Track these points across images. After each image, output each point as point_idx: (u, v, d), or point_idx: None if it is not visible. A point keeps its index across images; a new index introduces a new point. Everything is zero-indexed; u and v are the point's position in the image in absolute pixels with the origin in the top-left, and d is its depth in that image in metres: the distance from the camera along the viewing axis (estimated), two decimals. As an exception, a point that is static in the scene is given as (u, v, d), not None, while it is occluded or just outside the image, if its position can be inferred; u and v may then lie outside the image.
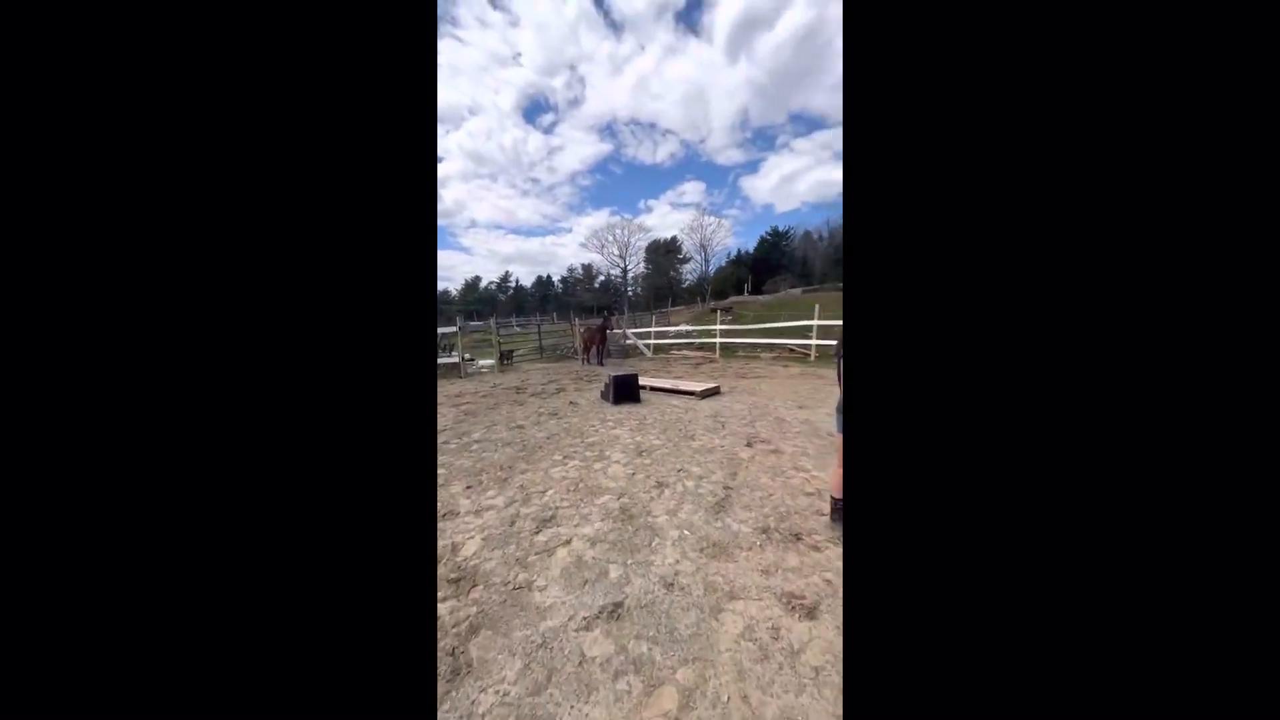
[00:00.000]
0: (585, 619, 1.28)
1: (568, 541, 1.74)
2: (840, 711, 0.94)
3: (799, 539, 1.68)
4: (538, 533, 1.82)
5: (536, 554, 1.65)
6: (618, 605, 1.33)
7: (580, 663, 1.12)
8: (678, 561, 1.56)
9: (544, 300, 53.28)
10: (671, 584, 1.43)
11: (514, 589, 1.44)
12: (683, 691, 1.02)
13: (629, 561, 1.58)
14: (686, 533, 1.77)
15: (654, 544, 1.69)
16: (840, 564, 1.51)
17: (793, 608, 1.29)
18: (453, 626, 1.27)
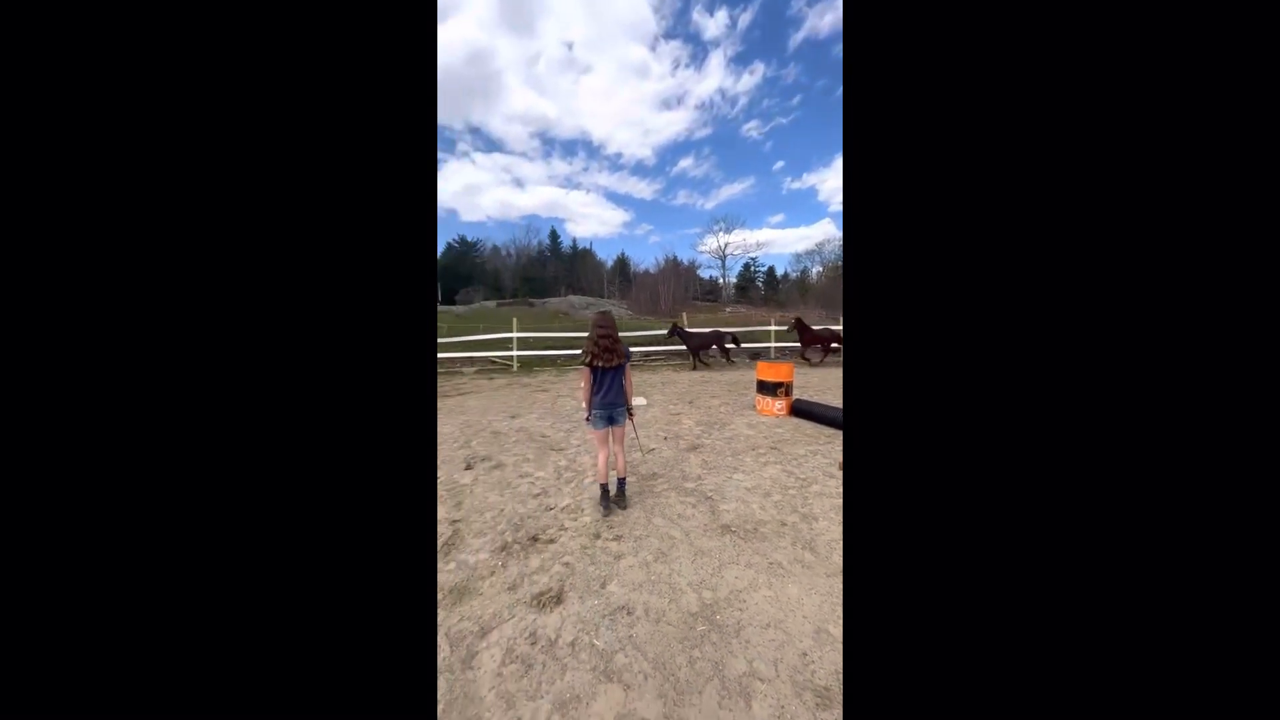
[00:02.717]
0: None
1: None
2: (594, 664, 1.13)
3: (536, 540, 1.80)
4: None
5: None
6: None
7: None
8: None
9: None
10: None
11: None
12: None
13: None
14: (412, 596, 1.45)
15: (364, 636, 1.28)
16: (577, 544, 1.76)
17: (543, 604, 1.38)
18: None
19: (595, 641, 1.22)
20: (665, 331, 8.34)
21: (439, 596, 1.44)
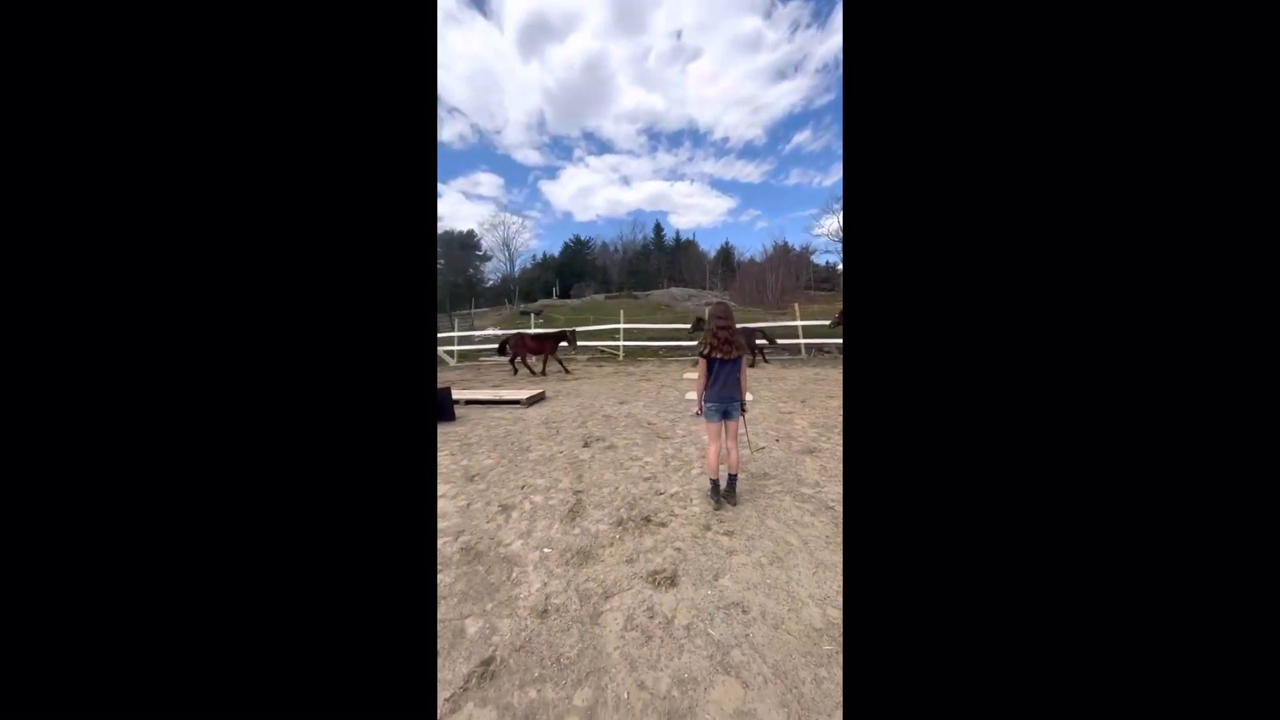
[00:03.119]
0: (450, 699, 1.03)
1: (395, 615, 1.34)
2: (711, 653, 1.14)
3: (649, 521, 1.90)
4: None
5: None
6: (488, 663, 1.14)
7: (456, 756, 0.90)
8: (545, 584, 1.47)
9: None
10: (545, 610, 1.34)
11: (318, 718, 1.00)
12: (583, 714, 0.99)
13: (489, 607, 1.37)
14: (547, 550, 1.69)
15: (514, 575, 1.53)
16: (687, 532, 1.80)
17: (658, 583, 1.45)
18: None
19: (711, 630, 1.23)
20: (765, 325, 7.75)
21: (568, 557, 1.64)
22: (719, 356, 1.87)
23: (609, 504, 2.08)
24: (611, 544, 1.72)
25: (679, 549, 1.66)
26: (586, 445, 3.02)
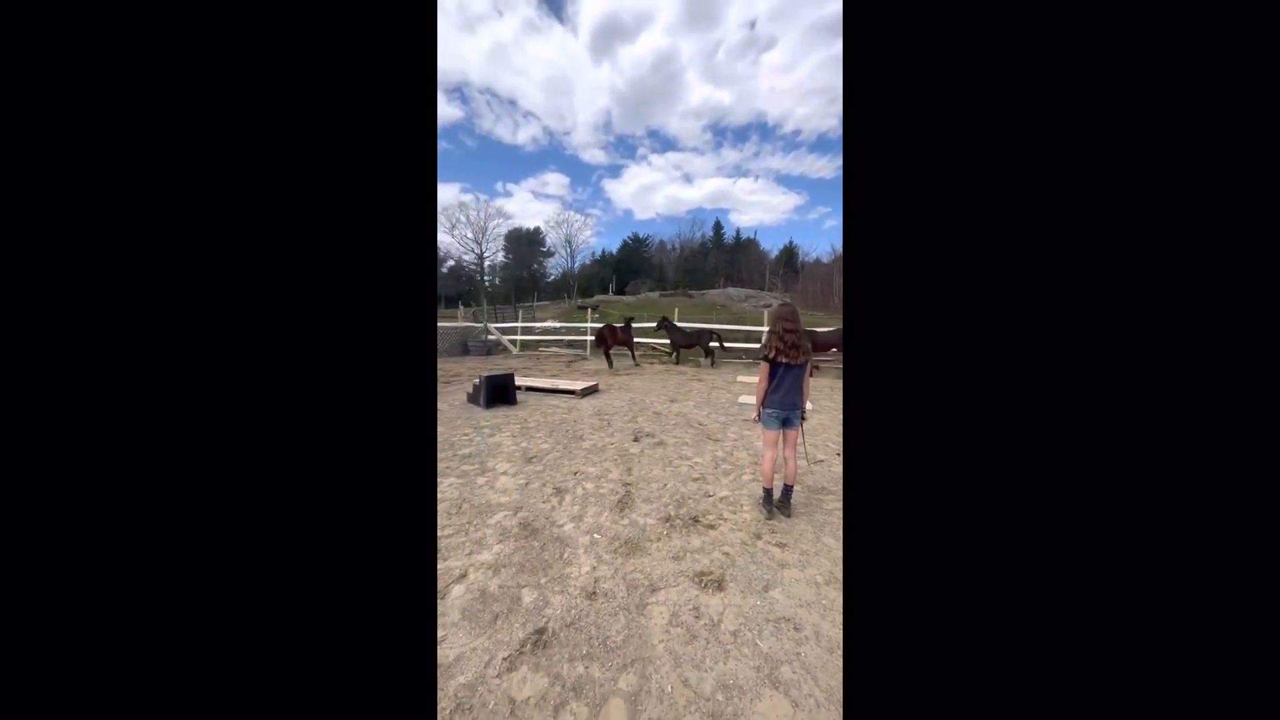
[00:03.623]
0: (507, 659, 1.12)
1: (462, 575, 1.48)
2: (758, 664, 1.11)
3: (697, 521, 1.88)
4: (418, 574, 1.49)
5: (423, 600, 1.35)
6: (541, 632, 1.22)
7: (512, 711, 0.98)
8: (594, 568, 1.53)
9: (369, 282, 42.87)
10: (594, 593, 1.40)
11: (399, 653, 1.14)
12: (627, 698, 1.01)
13: (542, 581, 1.46)
14: (597, 536, 1.75)
15: (566, 555, 1.61)
16: (737, 538, 1.76)
17: (705, 584, 1.44)
18: None
19: (759, 642, 1.19)
20: (826, 330, 7.22)
21: (616, 546, 1.68)
22: (784, 361, 1.79)
23: (657, 499, 2.10)
24: (659, 539, 1.73)
25: (727, 554, 1.63)
26: (636, 440, 3.07)
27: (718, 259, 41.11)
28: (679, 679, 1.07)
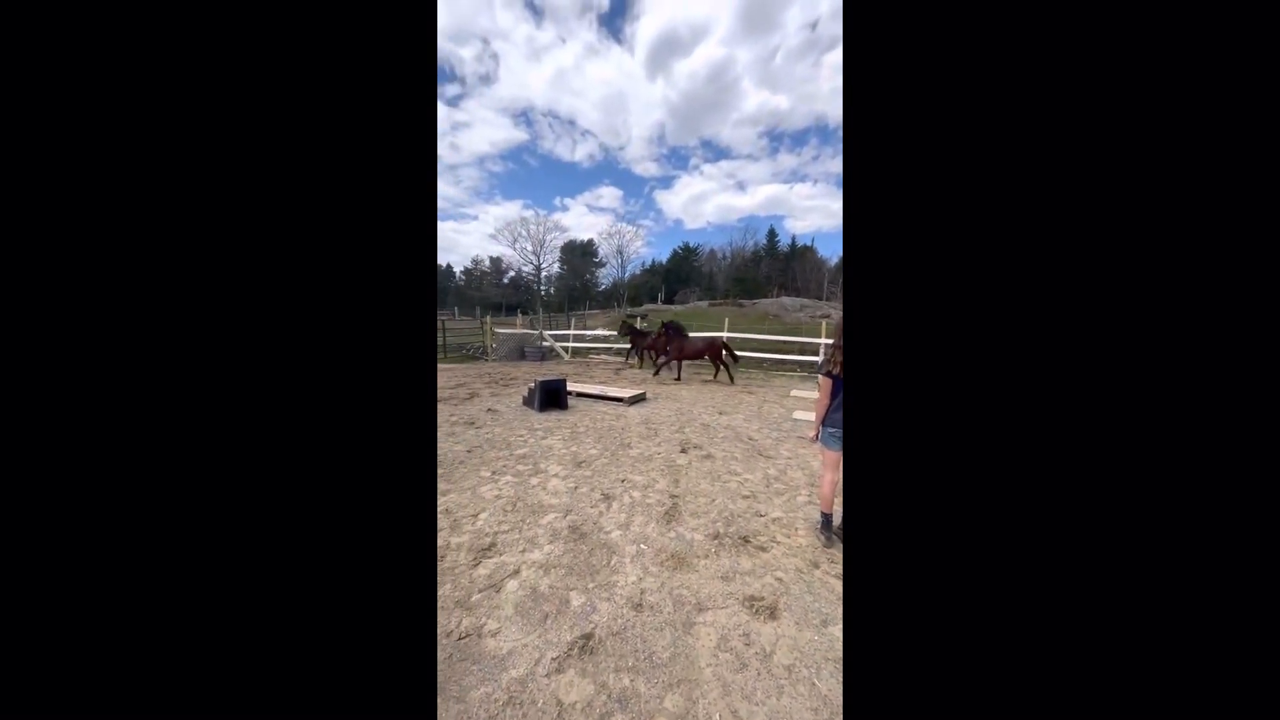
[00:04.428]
0: (556, 660, 1.15)
1: (516, 571, 1.55)
2: (815, 706, 1.02)
3: (747, 542, 1.80)
4: (476, 565, 1.58)
5: (480, 591, 1.43)
6: (588, 637, 1.23)
7: (559, 714, 1.00)
8: (640, 579, 1.52)
9: (442, 292, 47.66)
10: (640, 604, 1.39)
11: (459, 639, 1.22)
12: (673, 718, 0.99)
13: (590, 586, 1.48)
14: (644, 547, 1.74)
15: (613, 562, 1.62)
16: (791, 564, 1.66)
17: (756, 610, 1.37)
18: (383, 702, 1.01)
19: (816, 681, 1.10)
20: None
21: (663, 558, 1.66)
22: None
23: (704, 514, 2.05)
24: (707, 556, 1.68)
25: (780, 580, 1.54)
26: (684, 451, 3.02)
27: (771, 267, 39.67)
28: (728, 709, 1.02)
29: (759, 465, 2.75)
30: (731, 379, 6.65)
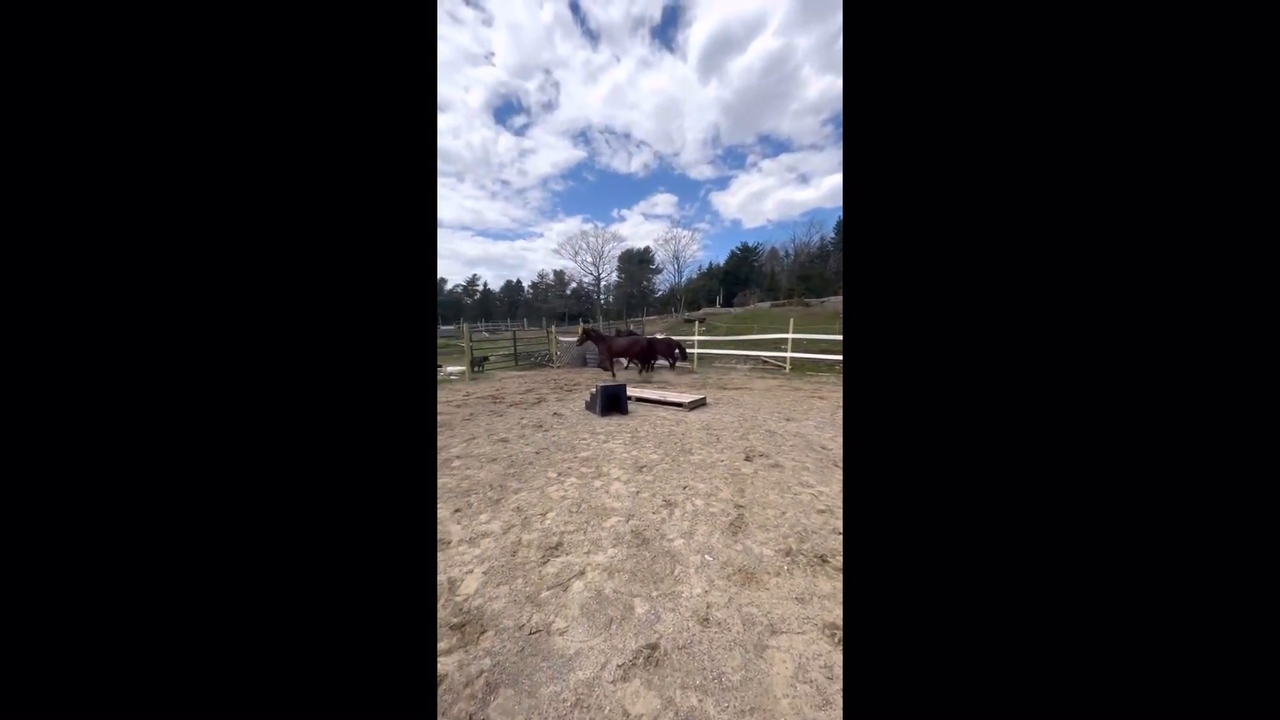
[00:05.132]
0: (621, 667, 1.14)
1: (581, 573, 1.58)
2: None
3: (825, 562, 1.63)
4: (545, 562, 1.64)
5: (549, 589, 1.48)
6: (653, 647, 1.20)
7: (625, 724, 0.98)
8: (706, 591, 1.46)
9: (513, 305, 51.84)
10: (706, 619, 1.32)
11: (530, 634, 1.27)
12: (747, 751, 0.91)
13: (654, 594, 1.45)
14: (708, 558, 1.67)
15: (676, 572, 1.58)
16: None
17: (839, 641, 1.22)
18: (465, 686, 1.08)
19: (919, 734, 0.94)
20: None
21: (729, 572, 1.57)
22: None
23: (774, 528, 1.91)
24: (778, 574, 1.56)
25: (867, 608, 1.36)
26: (749, 459, 2.87)
27: (840, 262, 36.60)
28: (810, 749, 0.91)
29: (834, 477, 2.51)
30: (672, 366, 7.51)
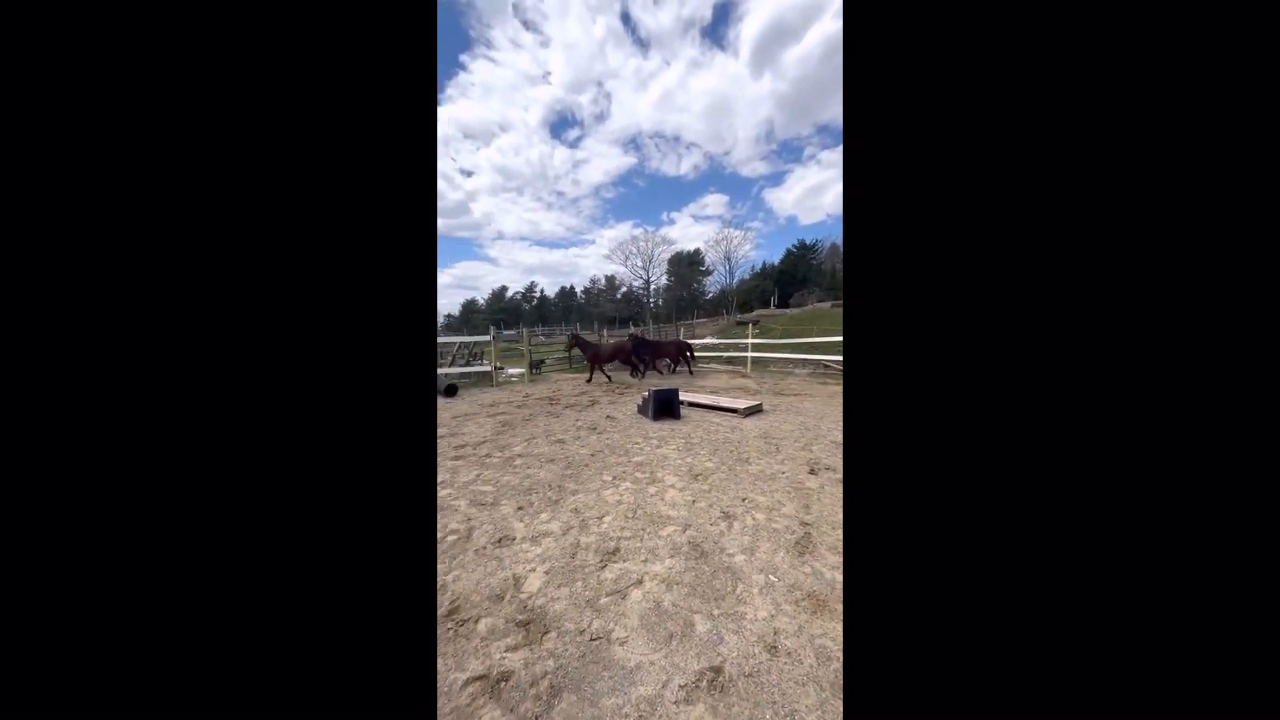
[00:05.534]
0: (684, 687, 1.09)
1: (639, 581, 1.56)
2: None
3: (911, 595, 1.44)
4: (603, 567, 1.65)
5: (607, 595, 1.48)
6: (717, 671, 1.14)
7: (690, 751, 0.93)
8: (773, 615, 1.36)
9: (567, 310, 54.16)
10: (774, 647, 1.23)
11: (591, 640, 1.27)
12: (828, 805, 0.81)
13: (715, 612, 1.38)
14: (773, 578, 1.56)
15: (739, 590, 1.49)
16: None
17: (935, 691, 1.06)
18: (530, 685, 1.10)
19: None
20: None
21: (797, 596, 1.45)
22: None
23: (848, 551, 1.73)
24: (855, 604, 1.40)
25: (969, 657, 1.17)
26: (813, 472, 2.67)
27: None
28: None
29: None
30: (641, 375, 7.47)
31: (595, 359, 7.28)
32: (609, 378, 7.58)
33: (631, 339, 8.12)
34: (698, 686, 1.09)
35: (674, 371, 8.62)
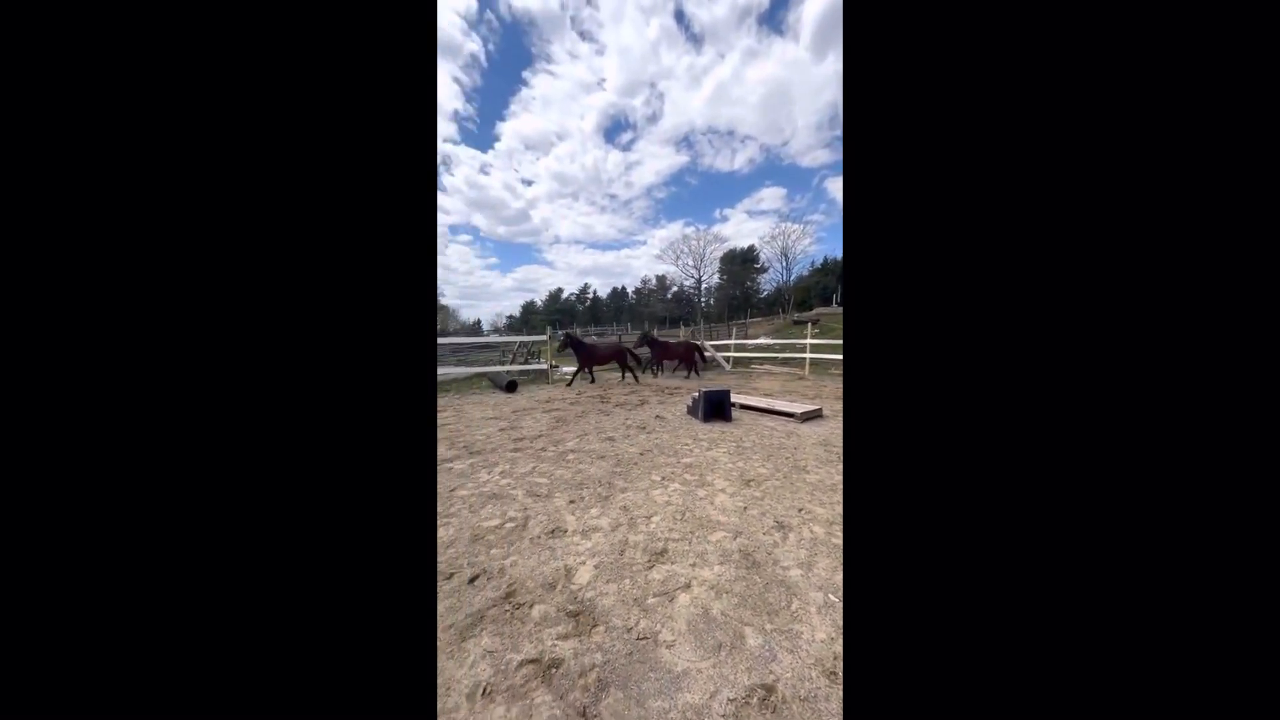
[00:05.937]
0: (734, 701, 1.05)
1: (687, 585, 1.53)
2: None
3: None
4: (651, 567, 1.65)
5: (655, 596, 1.48)
6: (769, 689, 1.08)
7: (739, 769, 0.89)
8: (831, 638, 1.26)
9: (618, 311, 55.33)
10: (834, 673, 1.13)
11: (638, 639, 1.27)
12: None
13: (767, 627, 1.31)
14: (833, 598, 1.45)
15: (794, 607, 1.40)
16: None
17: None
18: (579, 676, 1.14)
19: None
20: None
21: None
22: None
23: (923, 578, 1.55)
24: (932, 638, 1.25)
25: None
26: (881, 486, 2.43)
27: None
28: None
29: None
30: (636, 379, 7.50)
31: (588, 360, 7.10)
32: (593, 379, 7.44)
33: (642, 337, 8.24)
34: (748, 703, 1.05)
35: (697, 374, 8.36)
